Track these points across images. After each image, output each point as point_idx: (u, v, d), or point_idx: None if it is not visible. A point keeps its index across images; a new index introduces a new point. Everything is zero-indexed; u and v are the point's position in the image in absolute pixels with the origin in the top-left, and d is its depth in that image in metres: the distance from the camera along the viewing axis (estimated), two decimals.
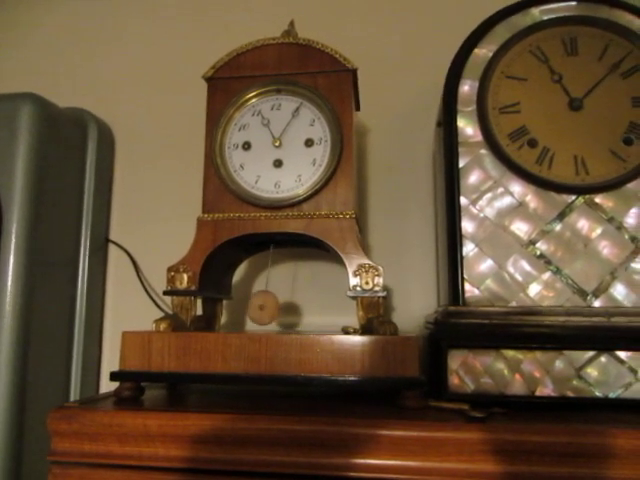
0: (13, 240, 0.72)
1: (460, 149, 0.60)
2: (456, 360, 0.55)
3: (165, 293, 0.61)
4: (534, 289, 0.57)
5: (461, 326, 0.55)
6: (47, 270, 0.77)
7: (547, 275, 0.57)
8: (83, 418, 0.50)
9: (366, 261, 0.58)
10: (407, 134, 0.87)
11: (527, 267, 0.57)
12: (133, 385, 0.57)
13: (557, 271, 0.57)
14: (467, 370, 0.54)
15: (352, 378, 0.52)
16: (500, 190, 0.59)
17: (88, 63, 1.00)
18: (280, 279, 0.84)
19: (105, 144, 0.93)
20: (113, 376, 0.56)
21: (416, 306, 0.81)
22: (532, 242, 0.58)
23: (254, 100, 0.64)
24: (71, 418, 0.51)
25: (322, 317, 0.83)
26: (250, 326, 0.85)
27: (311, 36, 0.66)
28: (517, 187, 0.59)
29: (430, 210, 0.82)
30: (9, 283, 0.71)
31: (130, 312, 0.89)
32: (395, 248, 0.84)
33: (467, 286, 0.58)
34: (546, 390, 0.53)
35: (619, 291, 0.56)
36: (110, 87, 0.98)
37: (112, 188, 0.95)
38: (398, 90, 0.88)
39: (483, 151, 0.60)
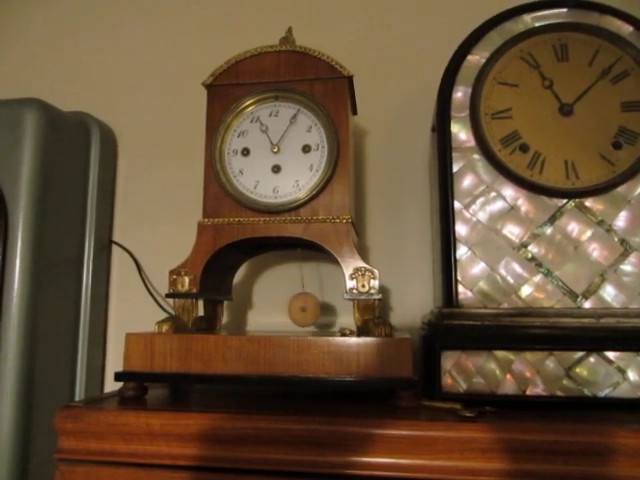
0: (19, 242, 0.73)
1: (454, 154, 0.62)
2: (449, 361, 0.56)
3: (167, 296, 0.63)
4: (525, 291, 0.58)
5: (454, 327, 0.57)
6: (52, 271, 0.79)
7: (538, 277, 0.58)
8: (88, 417, 0.52)
9: (362, 264, 0.59)
10: (406, 137, 0.88)
11: (519, 269, 0.59)
12: (137, 385, 0.59)
13: (548, 273, 0.58)
14: (459, 370, 0.56)
15: (348, 379, 0.53)
16: (492, 194, 0.61)
17: (90, 67, 1.01)
18: (285, 279, 0.85)
19: (108, 147, 0.94)
20: (117, 376, 0.58)
21: (415, 306, 0.82)
22: (523, 245, 0.59)
23: (252, 107, 0.66)
24: (77, 417, 0.53)
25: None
26: (251, 326, 0.87)
27: (309, 41, 0.67)
28: (509, 191, 0.60)
29: (427, 212, 0.83)
30: (15, 284, 0.73)
31: (133, 312, 0.91)
32: (394, 248, 0.85)
33: (460, 288, 0.59)
34: (536, 390, 0.55)
35: (608, 292, 0.57)
36: (112, 91, 0.99)
37: (115, 190, 0.96)
38: (397, 93, 0.89)
39: (476, 156, 0.61)
